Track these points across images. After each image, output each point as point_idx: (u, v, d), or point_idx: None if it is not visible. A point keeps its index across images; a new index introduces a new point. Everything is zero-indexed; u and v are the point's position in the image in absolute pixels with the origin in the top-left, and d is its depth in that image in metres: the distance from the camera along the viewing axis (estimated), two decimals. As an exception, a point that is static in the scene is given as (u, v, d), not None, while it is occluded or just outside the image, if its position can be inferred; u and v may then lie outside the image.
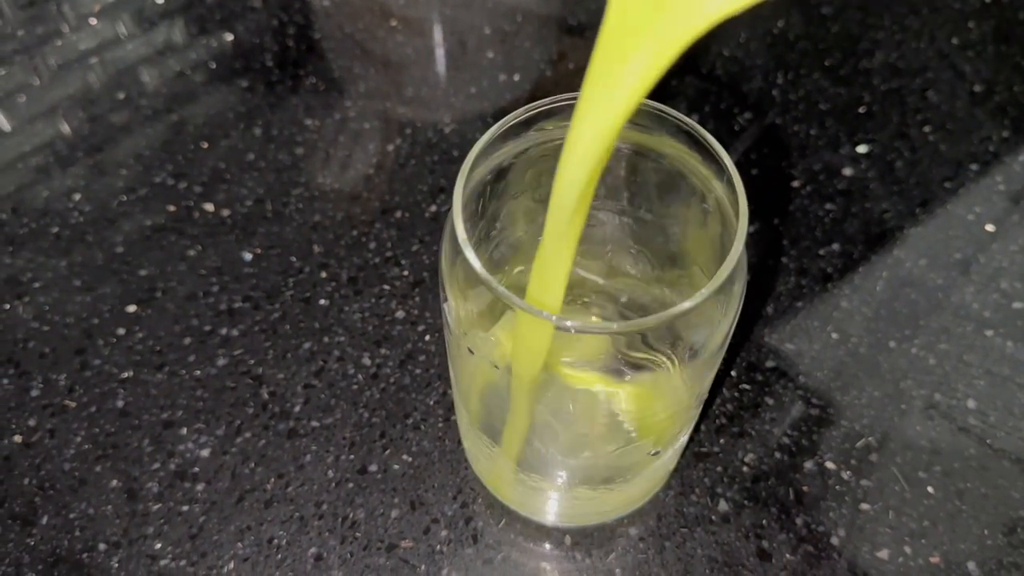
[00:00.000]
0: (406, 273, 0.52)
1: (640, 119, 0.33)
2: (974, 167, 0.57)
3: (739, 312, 0.31)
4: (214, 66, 0.63)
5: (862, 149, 0.58)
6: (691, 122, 0.32)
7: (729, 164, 0.30)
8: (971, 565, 0.43)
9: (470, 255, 0.28)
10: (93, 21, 0.65)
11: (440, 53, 0.63)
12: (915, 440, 0.46)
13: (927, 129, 0.59)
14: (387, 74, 0.62)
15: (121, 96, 0.61)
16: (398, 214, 0.55)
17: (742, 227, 0.29)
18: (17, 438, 0.46)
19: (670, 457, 0.40)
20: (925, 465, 0.46)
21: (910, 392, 0.48)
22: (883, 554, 0.43)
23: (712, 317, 0.30)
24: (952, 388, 0.48)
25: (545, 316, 0.27)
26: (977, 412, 0.47)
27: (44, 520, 0.44)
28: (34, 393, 0.48)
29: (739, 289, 0.31)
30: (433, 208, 0.55)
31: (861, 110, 0.60)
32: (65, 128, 0.59)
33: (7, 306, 0.51)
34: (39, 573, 0.42)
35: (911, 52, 0.64)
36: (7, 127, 0.60)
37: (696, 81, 0.62)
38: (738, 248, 0.28)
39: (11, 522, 0.43)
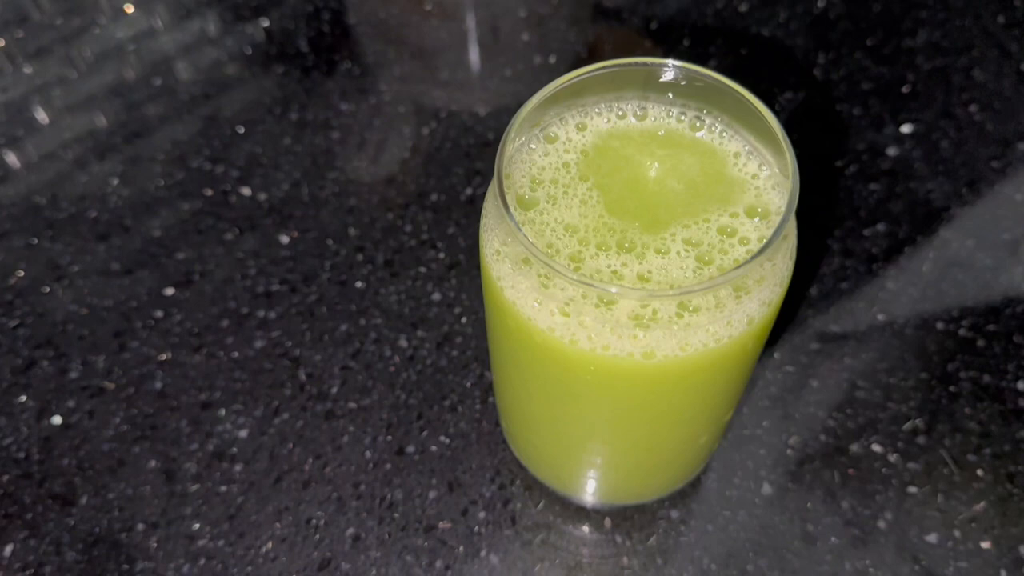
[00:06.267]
0: (442, 256, 0.52)
1: (688, 90, 0.33)
2: (1022, 146, 0.56)
3: (789, 280, 0.31)
4: (249, 52, 0.63)
5: (906, 129, 0.57)
6: (735, 84, 0.31)
7: (773, 120, 0.30)
8: (1023, 550, 0.41)
9: (512, 220, 0.28)
10: (129, 9, 0.66)
11: (474, 36, 0.63)
12: (964, 422, 0.45)
13: (973, 108, 0.58)
14: (422, 58, 0.62)
15: (158, 84, 0.61)
16: (433, 197, 0.54)
17: (794, 187, 0.28)
18: (56, 419, 0.46)
19: (713, 438, 0.40)
20: (975, 448, 0.44)
21: (958, 374, 0.47)
22: (932, 538, 0.42)
23: (761, 282, 0.29)
24: (1002, 370, 0.47)
25: (602, 287, 0.27)
26: (1029, 394, 0.46)
27: (84, 500, 0.44)
28: (73, 375, 0.48)
29: (789, 254, 0.30)
30: (469, 191, 0.54)
31: (905, 89, 0.59)
32: (102, 116, 0.60)
33: (46, 289, 0.51)
34: (79, 552, 0.42)
35: (955, 30, 0.62)
36: (45, 116, 0.60)
37: (736, 61, 0.61)
38: (792, 206, 0.27)
39: (51, 502, 0.44)
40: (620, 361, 0.28)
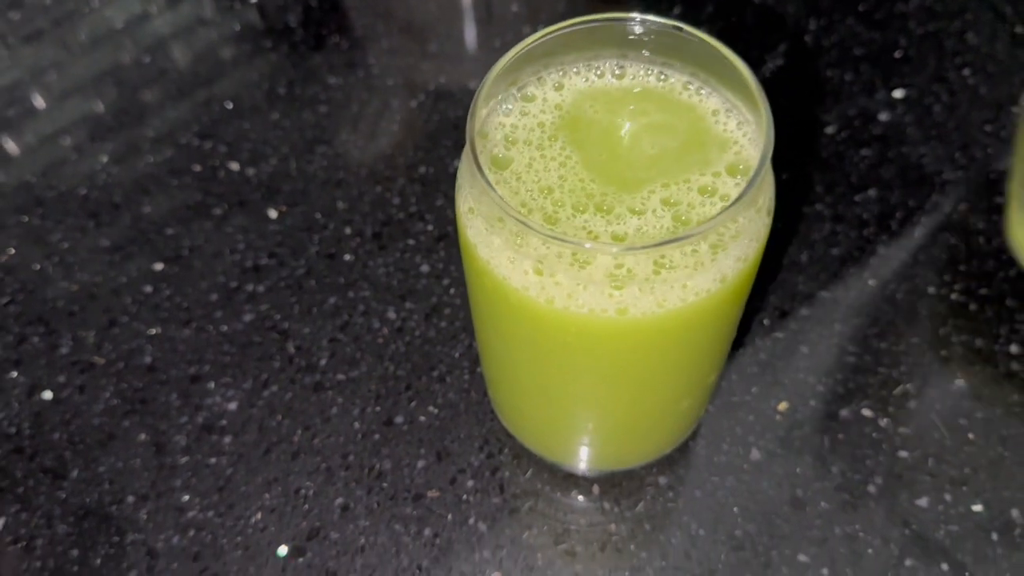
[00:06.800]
0: (430, 228, 0.52)
1: (661, 42, 0.32)
2: (1015, 110, 0.55)
3: (766, 235, 0.30)
4: (238, 27, 0.63)
5: (898, 94, 0.56)
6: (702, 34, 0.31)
7: (747, 73, 0.29)
8: (1015, 512, 0.41)
9: (485, 178, 0.27)
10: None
11: (464, 7, 0.62)
12: (955, 386, 0.45)
13: (966, 72, 0.57)
14: (410, 31, 0.61)
15: (147, 59, 0.61)
16: (422, 169, 0.54)
17: (768, 139, 0.28)
18: (47, 394, 0.46)
19: (697, 401, 0.40)
20: (966, 412, 0.44)
21: (950, 338, 0.46)
22: (922, 502, 0.42)
23: (737, 237, 0.29)
24: (994, 334, 0.46)
25: (574, 243, 0.27)
26: (1020, 357, 0.46)
27: (74, 474, 0.44)
28: (63, 350, 0.48)
29: (766, 208, 0.30)
30: (457, 163, 0.54)
31: (897, 54, 0.58)
32: (93, 95, 0.59)
33: (36, 266, 0.51)
34: (69, 525, 0.42)
35: (950, -5, 0.61)
36: (38, 98, 0.60)
37: (727, 27, 0.60)
38: (766, 157, 0.27)
39: (42, 476, 0.44)
40: (595, 318, 0.28)
